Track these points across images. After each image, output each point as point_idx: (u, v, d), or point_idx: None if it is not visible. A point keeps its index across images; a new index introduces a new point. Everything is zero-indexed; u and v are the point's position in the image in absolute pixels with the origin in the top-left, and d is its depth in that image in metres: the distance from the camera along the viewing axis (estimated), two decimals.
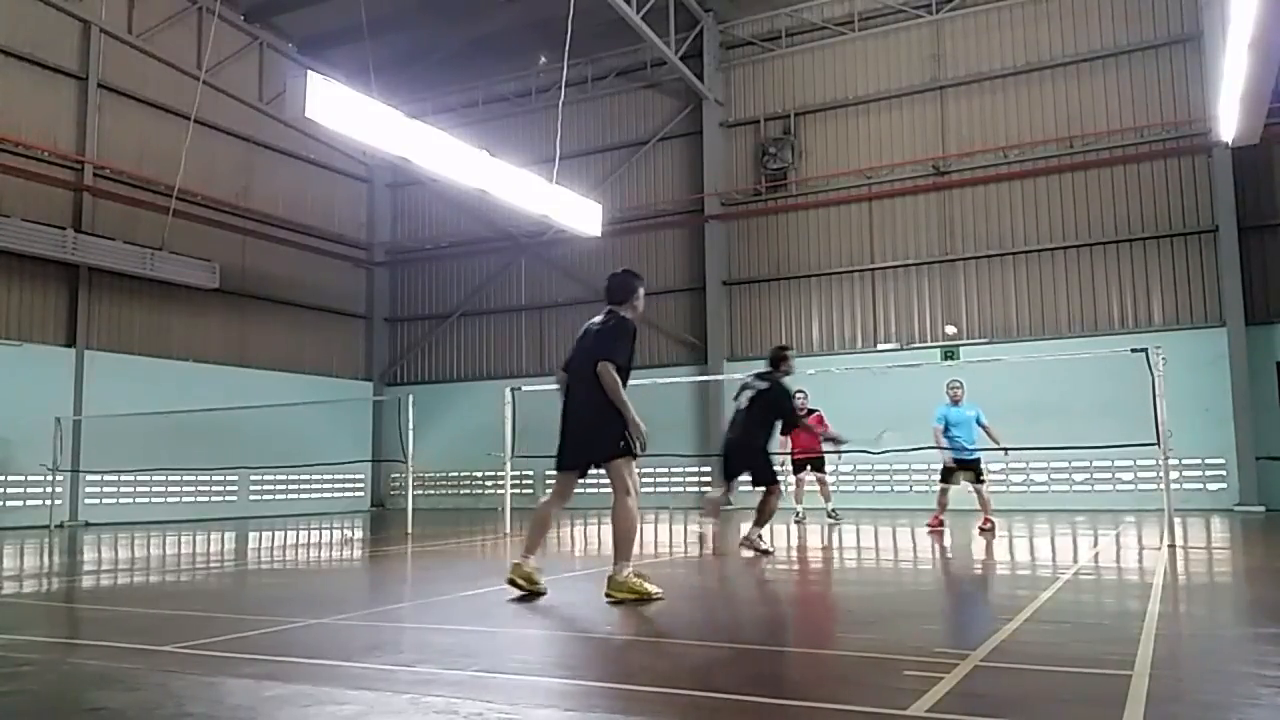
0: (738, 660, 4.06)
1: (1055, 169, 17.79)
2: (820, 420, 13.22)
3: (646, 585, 5.64)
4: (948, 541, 10.65)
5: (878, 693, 3.28)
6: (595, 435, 5.81)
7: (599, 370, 5.71)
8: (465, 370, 23.55)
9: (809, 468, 13.83)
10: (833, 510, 13.99)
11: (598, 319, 6.17)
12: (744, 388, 9.03)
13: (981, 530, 11.27)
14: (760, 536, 8.65)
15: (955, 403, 11.90)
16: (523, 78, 22.99)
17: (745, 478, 8.88)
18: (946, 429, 11.74)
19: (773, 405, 8.79)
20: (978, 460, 11.88)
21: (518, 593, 5.78)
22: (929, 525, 12.00)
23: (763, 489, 8.73)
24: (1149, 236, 17.02)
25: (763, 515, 8.70)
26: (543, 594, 5.77)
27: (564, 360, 6.26)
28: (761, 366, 9.45)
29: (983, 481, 11.84)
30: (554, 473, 6.20)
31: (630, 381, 5.89)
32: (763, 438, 8.77)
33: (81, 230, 17.31)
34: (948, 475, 12.02)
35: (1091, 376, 14.87)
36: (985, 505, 11.72)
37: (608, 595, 5.63)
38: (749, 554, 8.50)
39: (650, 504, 20.05)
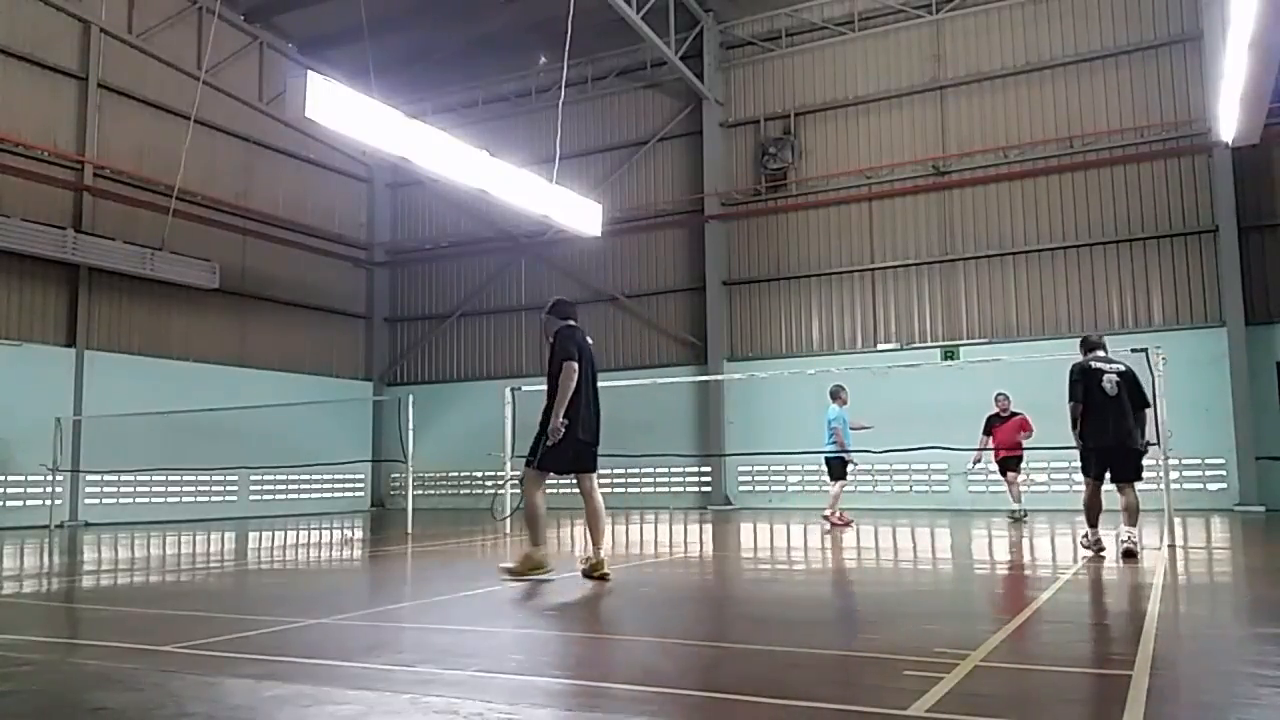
0: (738, 660, 4.06)
1: (1055, 169, 17.78)
2: (1025, 424, 13.68)
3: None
4: (948, 541, 10.65)
5: (878, 693, 3.28)
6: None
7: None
8: (465, 370, 23.55)
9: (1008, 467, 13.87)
10: (1019, 511, 13.91)
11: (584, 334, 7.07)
12: (1100, 373, 7.90)
13: (834, 526, 12.28)
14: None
15: (844, 405, 12.92)
16: (523, 78, 22.99)
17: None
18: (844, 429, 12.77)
19: (1136, 387, 7.93)
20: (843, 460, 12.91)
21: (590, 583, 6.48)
22: (835, 523, 12.58)
23: (1127, 485, 7.92)
24: (1149, 236, 17.01)
25: (1134, 513, 7.86)
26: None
27: (578, 353, 7.00)
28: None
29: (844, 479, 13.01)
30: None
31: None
32: (1141, 427, 7.94)
33: (81, 230, 17.30)
34: (843, 472, 13.03)
35: None
36: (833, 501, 12.81)
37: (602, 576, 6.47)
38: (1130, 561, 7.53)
39: (651, 504, 20.06)
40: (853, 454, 12.86)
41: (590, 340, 7.06)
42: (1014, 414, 13.83)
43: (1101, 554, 7.89)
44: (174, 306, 19.25)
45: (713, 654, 4.22)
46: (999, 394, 13.96)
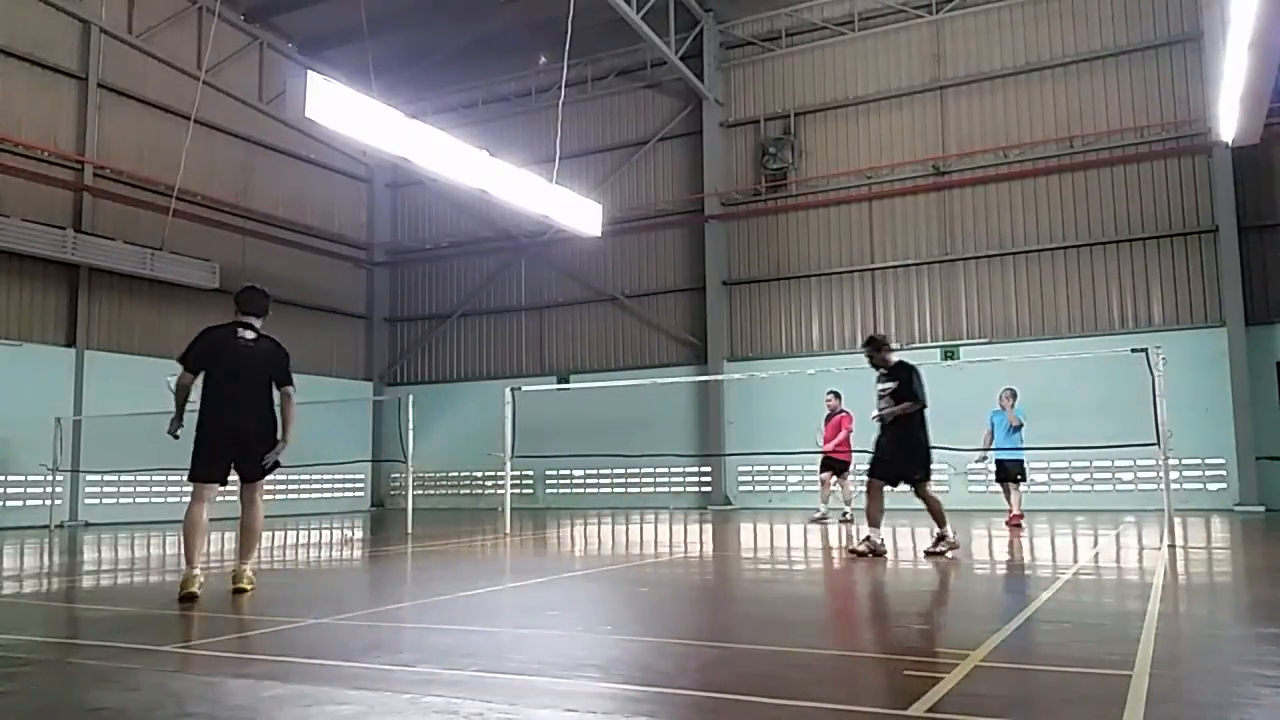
0: (738, 660, 4.06)
1: (1055, 169, 17.78)
2: (842, 423, 13.54)
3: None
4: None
5: (878, 693, 3.28)
6: (260, 452, 6.38)
7: (288, 395, 6.47)
8: (465, 370, 23.56)
9: (830, 469, 13.77)
10: (837, 513, 13.82)
11: (249, 335, 6.35)
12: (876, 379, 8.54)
13: (1009, 525, 12.13)
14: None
15: (1002, 408, 12.61)
16: (523, 78, 22.99)
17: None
18: (992, 430, 12.56)
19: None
20: (1011, 462, 12.57)
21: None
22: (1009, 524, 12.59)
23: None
24: (1149, 236, 17.02)
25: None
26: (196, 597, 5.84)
27: (188, 357, 6.32)
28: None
29: (1016, 482, 12.59)
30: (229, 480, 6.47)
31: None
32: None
33: (81, 230, 17.30)
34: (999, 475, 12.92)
35: (1091, 376, 14.89)
36: (1013, 505, 12.52)
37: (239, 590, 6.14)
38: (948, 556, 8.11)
39: (651, 504, 20.05)
40: (1002, 454, 12.49)
41: (251, 337, 6.31)
42: (839, 412, 13.66)
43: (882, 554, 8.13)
44: (174, 306, 19.24)
45: (712, 654, 4.21)
46: (828, 391, 13.79)
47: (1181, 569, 7.26)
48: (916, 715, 2.89)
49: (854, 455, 13.21)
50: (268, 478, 6.59)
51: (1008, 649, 4.04)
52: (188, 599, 5.74)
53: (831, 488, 13.76)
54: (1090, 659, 3.80)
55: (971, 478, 17.31)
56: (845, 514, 13.65)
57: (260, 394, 6.34)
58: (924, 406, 8.38)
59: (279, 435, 6.42)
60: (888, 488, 8.43)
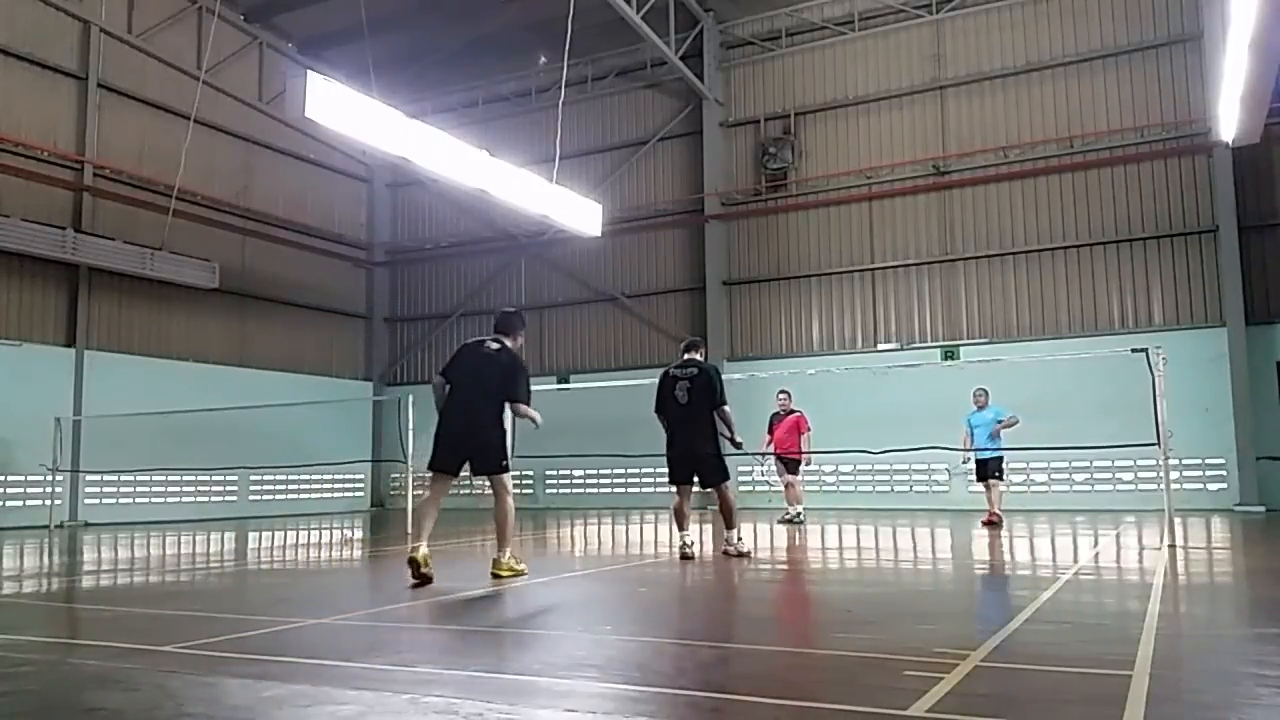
0: (738, 660, 4.06)
1: (1055, 169, 17.78)
2: (800, 423, 13.37)
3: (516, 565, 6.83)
4: (948, 541, 10.66)
5: (878, 693, 3.27)
6: (488, 449, 6.82)
7: (520, 408, 6.87)
8: None
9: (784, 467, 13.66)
10: (796, 514, 13.50)
11: (494, 345, 6.92)
12: (675, 380, 8.44)
13: (985, 524, 11.94)
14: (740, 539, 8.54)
15: (979, 409, 12.50)
16: (523, 78, 22.98)
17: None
18: (970, 432, 12.45)
19: (707, 389, 8.40)
20: (992, 460, 12.41)
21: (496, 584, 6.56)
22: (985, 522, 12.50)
23: (712, 489, 8.62)
24: (1149, 236, 17.01)
25: (730, 515, 8.70)
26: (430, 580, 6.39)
27: (445, 367, 6.96)
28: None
29: (998, 478, 12.43)
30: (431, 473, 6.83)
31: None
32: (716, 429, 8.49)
33: (81, 230, 17.30)
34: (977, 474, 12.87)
35: (1091, 376, 14.88)
36: (992, 503, 12.30)
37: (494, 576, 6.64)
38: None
39: (651, 504, 20.04)
40: (980, 455, 12.40)
41: (493, 348, 6.97)
42: (791, 412, 13.51)
43: (689, 557, 8.17)
44: (174, 306, 19.24)
45: (712, 654, 4.21)
46: (780, 391, 13.71)
47: (1182, 569, 7.26)
48: (916, 715, 2.89)
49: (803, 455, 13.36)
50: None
51: (1008, 649, 4.04)
52: (410, 563, 6.36)
53: (799, 488, 13.71)
54: (1090, 659, 3.80)
55: (970, 478, 17.31)
56: (788, 514, 13.48)
57: (490, 395, 6.80)
58: (659, 414, 8.62)
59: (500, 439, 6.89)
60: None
